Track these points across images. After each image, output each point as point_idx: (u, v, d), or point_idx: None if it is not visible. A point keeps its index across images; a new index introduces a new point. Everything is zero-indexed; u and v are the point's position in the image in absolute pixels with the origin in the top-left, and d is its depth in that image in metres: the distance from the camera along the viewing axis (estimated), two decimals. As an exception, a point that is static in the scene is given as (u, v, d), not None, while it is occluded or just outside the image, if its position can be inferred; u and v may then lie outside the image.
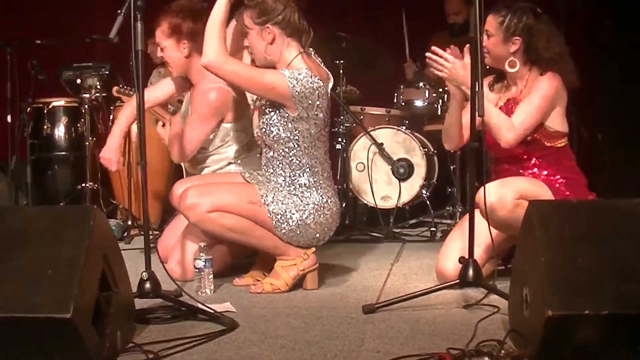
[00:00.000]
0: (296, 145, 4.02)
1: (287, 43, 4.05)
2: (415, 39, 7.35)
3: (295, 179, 4.03)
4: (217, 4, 4.05)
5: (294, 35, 4.05)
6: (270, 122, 4.03)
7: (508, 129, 4.02)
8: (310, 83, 3.95)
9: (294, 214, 3.98)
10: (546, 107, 4.07)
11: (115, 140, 4.62)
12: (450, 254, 4.03)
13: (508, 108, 4.17)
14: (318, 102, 3.99)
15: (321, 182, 4.08)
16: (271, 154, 4.09)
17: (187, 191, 3.99)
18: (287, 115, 3.99)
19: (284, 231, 4.00)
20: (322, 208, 4.03)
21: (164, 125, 4.60)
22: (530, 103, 4.07)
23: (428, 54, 4.05)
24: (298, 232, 4.02)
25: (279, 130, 4.01)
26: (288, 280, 4.05)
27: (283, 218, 3.98)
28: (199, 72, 4.39)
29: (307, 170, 4.04)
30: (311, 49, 4.17)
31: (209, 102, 4.38)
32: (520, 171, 4.16)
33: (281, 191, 4.01)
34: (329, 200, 4.08)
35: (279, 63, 4.05)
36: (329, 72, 4.19)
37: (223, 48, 4.01)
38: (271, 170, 4.09)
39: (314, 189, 4.03)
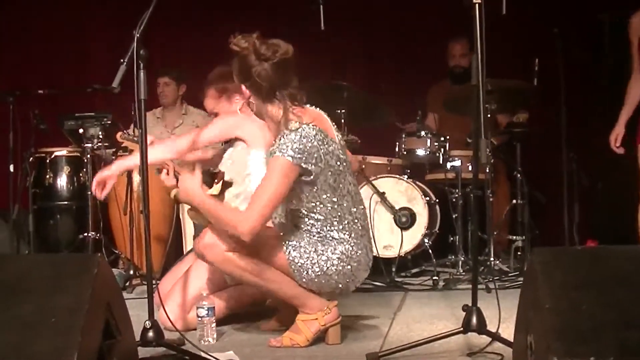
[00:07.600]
0: (318, 201, 3.79)
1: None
2: (414, 87, 7.44)
3: (324, 232, 3.81)
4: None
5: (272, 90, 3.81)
6: None
7: None
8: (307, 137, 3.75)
9: (314, 263, 3.79)
10: None
11: (110, 169, 4.39)
12: None
13: None
14: (323, 150, 3.77)
15: (352, 233, 3.84)
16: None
17: (206, 231, 3.84)
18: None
19: (304, 279, 3.81)
20: (348, 258, 3.80)
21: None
22: None
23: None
24: (317, 282, 3.82)
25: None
26: (309, 336, 3.84)
27: (302, 268, 3.79)
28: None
29: (336, 222, 3.81)
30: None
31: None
32: None
33: (306, 239, 3.81)
34: (360, 252, 3.85)
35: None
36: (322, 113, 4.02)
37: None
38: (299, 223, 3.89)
39: (344, 241, 3.81)
